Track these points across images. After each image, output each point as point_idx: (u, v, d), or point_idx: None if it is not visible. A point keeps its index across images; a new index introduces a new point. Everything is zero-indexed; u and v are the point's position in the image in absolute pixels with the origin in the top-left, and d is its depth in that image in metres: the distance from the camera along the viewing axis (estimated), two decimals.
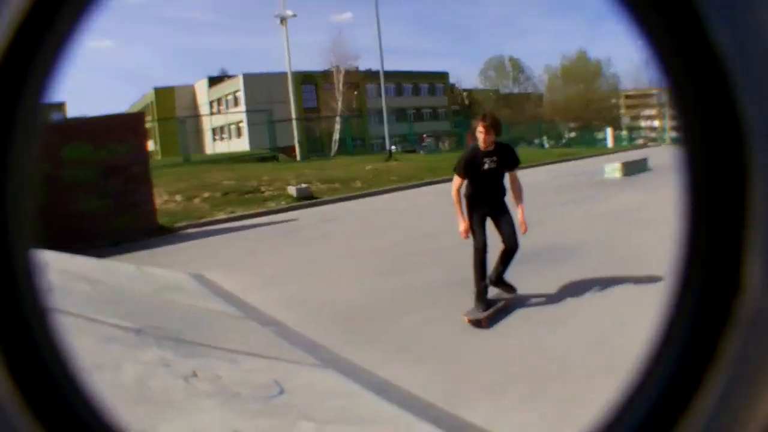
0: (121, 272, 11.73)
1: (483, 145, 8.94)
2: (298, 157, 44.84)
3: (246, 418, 5.13)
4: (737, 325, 0.81)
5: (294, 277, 12.30)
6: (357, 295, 10.43)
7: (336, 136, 60.57)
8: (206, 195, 24.24)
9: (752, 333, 0.81)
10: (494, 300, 9.11)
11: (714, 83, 0.81)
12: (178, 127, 44.69)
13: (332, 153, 53.61)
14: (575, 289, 9.62)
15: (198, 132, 70.43)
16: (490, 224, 9.12)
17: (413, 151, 50.73)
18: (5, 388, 0.88)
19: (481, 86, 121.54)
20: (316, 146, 61.92)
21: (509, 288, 9.38)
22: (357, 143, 62.56)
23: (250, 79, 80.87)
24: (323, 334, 8.36)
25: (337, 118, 62.15)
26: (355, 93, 75.36)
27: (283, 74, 54.39)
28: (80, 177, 19.07)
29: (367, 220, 19.88)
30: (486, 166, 9.03)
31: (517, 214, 9.20)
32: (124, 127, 20.66)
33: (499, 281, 9.33)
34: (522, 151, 46.37)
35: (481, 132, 8.92)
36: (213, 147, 76.41)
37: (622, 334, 7.20)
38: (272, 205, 23.74)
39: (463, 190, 9.17)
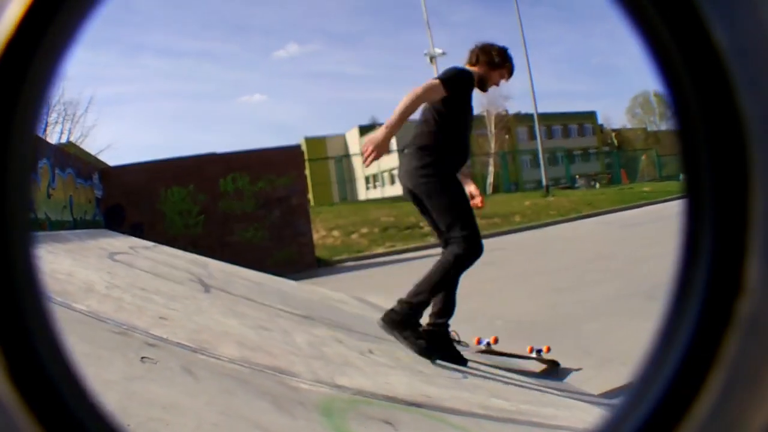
0: (285, 284, 11.99)
1: (490, 86, 6.52)
2: None
3: (435, 387, 4.90)
4: (738, 326, 0.79)
5: (460, 299, 11.91)
6: (529, 310, 10.27)
7: (490, 177, 60.43)
8: (365, 231, 24.31)
9: (752, 333, 0.79)
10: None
11: (714, 82, 0.80)
12: (334, 166, 45.12)
13: (487, 194, 53.44)
14: None
15: (351, 181, 71.13)
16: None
17: (570, 188, 50.20)
18: (5, 388, 0.87)
19: (628, 125, 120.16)
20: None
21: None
22: (511, 187, 62.29)
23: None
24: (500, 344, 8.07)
25: (491, 160, 62.00)
26: (506, 136, 75.09)
27: None
28: (237, 208, 19.27)
29: (530, 249, 19.61)
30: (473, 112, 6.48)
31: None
32: (282, 160, 20.86)
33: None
34: (675, 185, 45.47)
35: (504, 78, 6.46)
36: (366, 195, 77.10)
37: None
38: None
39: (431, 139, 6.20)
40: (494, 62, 6.21)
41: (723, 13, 0.79)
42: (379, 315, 6.21)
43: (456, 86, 5.93)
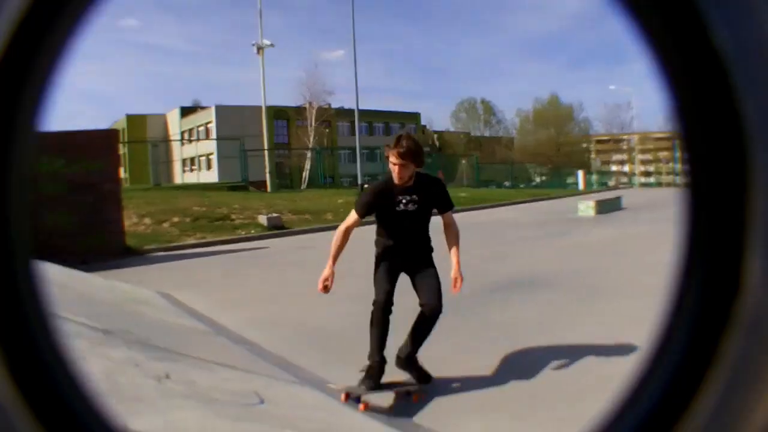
0: (89, 282, 11.64)
1: (398, 179, 6.91)
2: (269, 189, 44.54)
3: (227, 420, 4.97)
4: (737, 325, 0.81)
5: (264, 300, 12.14)
6: (329, 319, 10.30)
7: (306, 171, 60.44)
8: (176, 220, 24.01)
9: (752, 333, 0.81)
10: (393, 384, 6.89)
11: (714, 83, 0.81)
12: (150, 150, 44.40)
13: (302, 187, 53.35)
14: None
15: (168, 162, 70.04)
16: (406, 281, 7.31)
17: None
18: (5, 388, 0.88)
19: (452, 128, 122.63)
20: (285, 181, 61.74)
21: (423, 375, 7.06)
22: (327, 180, 62.34)
23: (222, 111, 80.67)
24: (295, 353, 8.29)
25: (308, 154, 62.05)
26: (327, 130, 75.42)
27: (256, 107, 54.20)
28: (49, 191, 18.90)
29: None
30: (401, 207, 7.09)
31: (452, 264, 7.19)
32: (98, 144, 20.41)
33: (410, 362, 7.05)
34: (492, 192, 45.92)
35: (393, 162, 6.85)
36: (182, 178, 75.94)
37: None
38: (242, 233, 23.54)
39: (375, 232, 7.43)
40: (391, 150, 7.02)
41: (723, 14, 0.81)
42: (183, 315, 6.68)
43: (363, 207, 7.26)
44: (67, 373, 0.98)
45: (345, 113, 72.20)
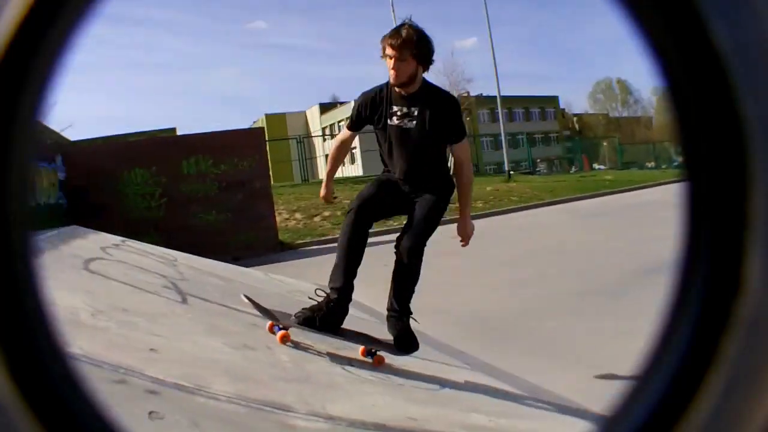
0: (251, 276, 11.90)
1: (394, 79, 5.48)
2: None
3: (417, 405, 4.89)
4: (738, 326, 0.80)
5: (424, 290, 11.80)
6: (491, 305, 10.23)
7: (450, 160, 60.38)
8: (327, 214, 24.19)
9: (752, 333, 0.80)
10: (344, 330, 6.02)
11: (714, 82, 0.80)
12: (295, 146, 44.93)
13: None
14: None
15: (312, 159, 71.09)
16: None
17: (530, 173, 50.08)
18: (5, 388, 0.88)
19: (590, 110, 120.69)
20: None
21: (404, 336, 5.96)
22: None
23: None
24: (461, 341, 8.19)
25: None
26: (467, 118, 75.11)
27: None
28: (199, 191, 19.13)
29: (492, 237, 19.37)
30: (394, 121, 5.67)
31: (460, 215, 6.17)
32: (245, 143, 20.77)
33: (398, 313, 6.07)
34: (636, 173, 45.03)
35: (388, 55, 5.41)
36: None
37: None
38: (393, 224, 23.46)
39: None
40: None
41: (723, 14, 0.80)
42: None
43: (353, 117, 5.96)
44: (66, 372, 0.98)
45: (484, 101, 71.71)
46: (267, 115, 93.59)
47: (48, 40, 0.89)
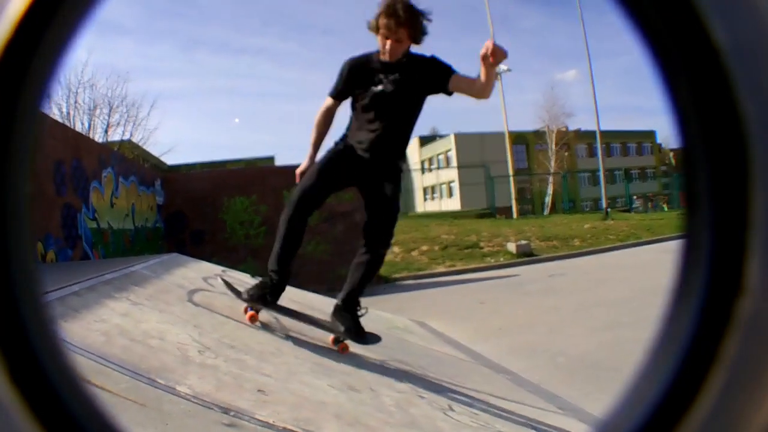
0: None
1: (387, 53, 5.57)
2: (515, 215, 44.37)
3: None
4: (738, 326, 0.80)
5: (520, 329, 12.06)
6: (590, 346, 10.09)
7: (548, 196, 59.90)
8: (425, 248, 24.37)
9: (752, 333, 0.79)
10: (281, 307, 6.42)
11: (714, 82, 0.80)
12: None
13: (545, 213, 52.88)
14: None
15: (409, 191, 71.16)
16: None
17: (628, 211, 49.32)
18: (5, 388, 0.88)
19: None
20: (526, 207, 61.52)
21: (359, 329, 6.26)
22: (568, 204, 61.64)
23: (461, 139, 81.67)
24: (555, 383, 8.08)
25: (549, 178, 61.40)
26: (566, 153, 74.52)
27: (494, 134, 54.15)
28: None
29: (590, 276, 19.29)
30: (380, 87, 5.68)
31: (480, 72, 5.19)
32: None
33: (348, 306, 6.24)
34: None
35: (385, 34, 5.50)
36: (424, 206, 77.03)
37: None
38: (491, 260, 23.45)
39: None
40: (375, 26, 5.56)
41: (723, 13, 0.80)
42: (443, 343, 6.27)
43: (338, 85, 5.91)
44: (66, 373, 0.97)
45: (583, 135, 71.12)
46: None
47: (48, 39, 0.89)
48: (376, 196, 5.90)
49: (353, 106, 5.91)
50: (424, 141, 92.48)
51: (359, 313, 6.23)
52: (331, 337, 6.24)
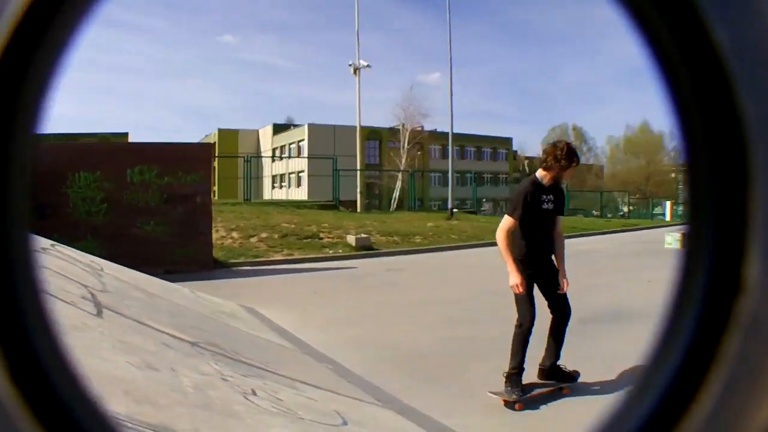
0: (177, 292, 11.78)
1: (549, 179, 7.53)
2: (359, 209, 44.52)
3: None
4: (738, 326, 0.80)
5: (350, 321, 12.18)
6: (421, 342, 10.26)
7: (396, 193, 60.23)
8: (264, 235, 24.27)
9: (752, 333, 0.80)
10: (536, 384, 7.70)
11: (714, 83, 0.80)
12: (242, 165, 44.79)
13: (392, 209, 53.13)
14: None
15: (258, 178, 70.64)
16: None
17: (474, 213, 50.08)
18: (5, 388, 0.88)
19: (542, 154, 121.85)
20: (374, 202, 61.93)
21: (570, 376, 7.81)
22: (416, 203, 62.06)
23: (315, 130, 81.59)
24: (379, 376, 8.20)
25: (399, 176, 61.80)
26: (419, 153, 75.27)
27: (348, 127, 54.30)
28: (142, 201, 19.09)
29: (428, 274, 19.76)
30: (545, 206, 7.56)
31: (560, 268, 7.77)
32: (193, 157, 20.79)
33: (556, 370, 7.78)
34: (581, 220, 45.43)
35: (558, 163, 7.43)
36: (271, 194, 76.62)
37: None
38: (329, 251, 23.55)
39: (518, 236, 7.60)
40: (563, 163, 7.47)
41: (723, 13, 0.80)
42: (268, 331, 6.80)
43: (518, 208, 7.50)
44: (66, 373, 0.97)
45: (438, 136, 72.07)
46: (220, 130, 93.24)
47: (48, 39, 0.89)
48: (551, 282, 7.86)
49: (526, 220, 7.63)
50: (278, 129, 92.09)
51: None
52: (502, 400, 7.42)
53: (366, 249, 24.71)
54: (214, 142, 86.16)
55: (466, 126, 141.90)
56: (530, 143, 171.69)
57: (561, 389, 7.66)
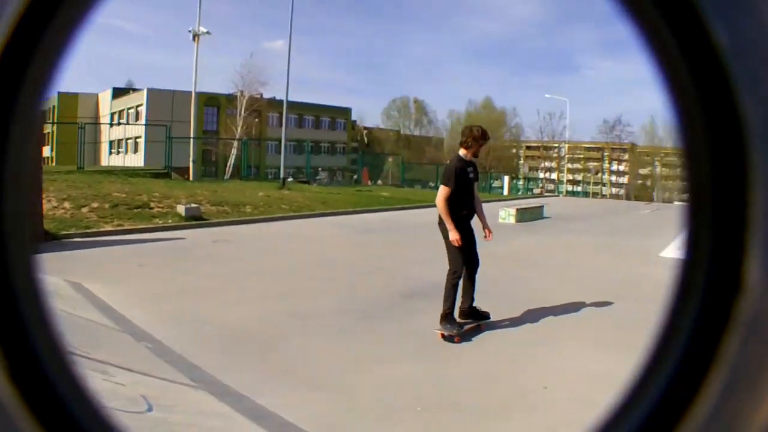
0: None
1: (470, 155, 9.76)
2: (192, 178, 43.87)
3: None
4: (737, 326, 0.81)
5: (174, 295, 12.00)
6: (242, 317, 10.26)
7: (231, 160, 59.61)
8: (95, 205, 23.37)
9: (752, 333, 0.81)
10: (464, 322, 9.64)
11: (714, 83, 0.81)
12: (78, 133, 43.58)
13: (226, 177, 52.47)
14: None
15: (96, 143, 68.97)
16: None
17: (307, 183, 49.73)
18: (5, 388, 0.88)
19: (382, 125, 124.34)
20: (210, 169, 61.24)
21: (483, 315, 9.89)
22: (252, 171, 61.43)
23: (155, 95, 79.15)
24: (200, 354, 8.08)
25: (235, 143, 61.30)
26: (256, 120, 75.07)
27: (188, 93, 53.36)
28: None
29: (254, 245, 19.78)
30: (470, 176, 9.73)
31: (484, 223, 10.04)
32: None
33: (473, 310, 9.80)
34: (416, 192, 45.73)
35: (477, 142, 9.71)
36: (108, 160, 74.97)
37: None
38: (159, 222, 23.37)
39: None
40: (481, 142, 9.86)
41: (723, 13, 0.80)
42: (91, 308, 7.48)
43: (452, 179, 9.41)
44: (66, 373, 0.98)
45: (276, 104, 71.95)
46: (60, 93, 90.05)
47: (47, 40, 0.90)
48: (471, 240, 9.83)
49: (458, 188, 9.60)
50: (118, 93, 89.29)
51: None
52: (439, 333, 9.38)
53: (195, 219, 24.44)
54: (54, 106, 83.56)
55: (308, 95, 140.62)
56: (370, 114, 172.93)
57: (479, 326, 9.67)
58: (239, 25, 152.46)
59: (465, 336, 9.29)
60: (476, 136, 9.68)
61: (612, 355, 7.81)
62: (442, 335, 9.10)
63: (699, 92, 0.83)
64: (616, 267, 15.92)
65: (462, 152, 9.77)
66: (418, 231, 21.46)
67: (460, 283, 9.40)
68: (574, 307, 11.08)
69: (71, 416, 0.95)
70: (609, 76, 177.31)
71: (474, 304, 9.75)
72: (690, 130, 0.85)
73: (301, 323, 9.83)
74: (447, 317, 9.22)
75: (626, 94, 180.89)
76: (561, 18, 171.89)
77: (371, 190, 45.39)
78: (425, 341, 9.04)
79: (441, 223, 9.55)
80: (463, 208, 9.59)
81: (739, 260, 0.81)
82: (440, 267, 10.02)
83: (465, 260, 9.44)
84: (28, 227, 0.95)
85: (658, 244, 19.08)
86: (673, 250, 17.83)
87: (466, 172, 9.66)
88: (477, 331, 9.58)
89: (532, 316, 10.44)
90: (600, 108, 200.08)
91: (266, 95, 74.31)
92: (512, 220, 27.15)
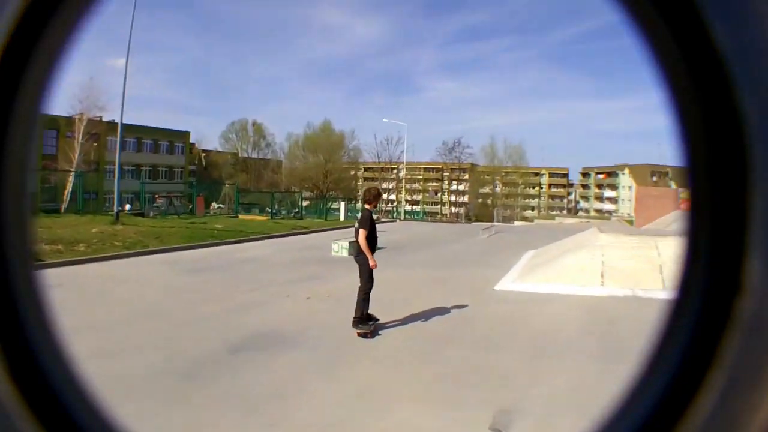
0: None
1: (372, 207, 13.38)
2: None
3: None
4: (738, 326, 0.81)
5: None
6: None
7: (69, 188, 57.33)
8: None
9: (752, 333, 0.81)
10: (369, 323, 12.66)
11: (714, 83, 0.82)
12: None
13: (63, 207, 50.59)
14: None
15: None
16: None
17: (142, 215, 46.00)
18: (5, 388, 0.89)
19: (220, 148, 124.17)
20: (50, 196, 59.51)
21: (375, 318, 12.87)
22: (91, 197, 59.15)
23: None
24: None
25: (72, 172, 58.44)
26: (95, 145, 72.38)
27: None
28: None
29: (89, 289, 18.27)
30: (376, 223, 13.47)
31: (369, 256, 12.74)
32: None
33: (368, 316, 12.67)
34: (251, 223, 45.50)
35: (376, 199, 13.61)
36: None
37: None
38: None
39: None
40: (379, 199, 14.23)
41: (723, 13, 0.81)
42: None
43: (367, 224, 12.75)
44: (65, 373, 0.99)
45: (116, 127, 70.84)
46: None
47: (45, 40, 0.91)
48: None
49: (371, 231, 13.11)
50: None
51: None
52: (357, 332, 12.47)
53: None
54: None
55: (148, 115, 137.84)
56: (209, 137, 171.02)
57: (376, 329, 12.71)
58: (85, 40, 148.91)
59: (374, 333, 12.42)
60: (375, 195, 13.59)
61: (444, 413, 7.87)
62: (359, 333, 12.19)
63: (699, 93, 0.84)
64: (452, 303, 15.56)
65: (367, 206, 13.33)
66: (248, 267, 21.53)
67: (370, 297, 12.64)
68: (408, 354, 11.04)
69: (71, 416, 0.96)
70: (450, 96, 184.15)
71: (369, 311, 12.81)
72: (690, 130, 0.86)
73: (119, 389, 8.12)
74: (359, 320, 12.35)
75: (466, 113, 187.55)
76: (402, 40, 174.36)
77: (205, 222, 44.30)
78: (251, 404, 8.21)
79: (358, 255, 12.77)
80: (375, 243, 12.95)
81: (739, 260, 0.81)
82: (262, 316, 10.90)
83: (373, 280, 12.65)
84: (28, 229, 0.96)
85: (494, 276, 19.61)
86: (509, 282, 18.73)
87: (374, 219, 13.27)
88: (375, 331, 12.62)
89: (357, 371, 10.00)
90: (441, 127, 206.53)
91: (107, 118, 71.57)
92: (345, 253, 25.82)
